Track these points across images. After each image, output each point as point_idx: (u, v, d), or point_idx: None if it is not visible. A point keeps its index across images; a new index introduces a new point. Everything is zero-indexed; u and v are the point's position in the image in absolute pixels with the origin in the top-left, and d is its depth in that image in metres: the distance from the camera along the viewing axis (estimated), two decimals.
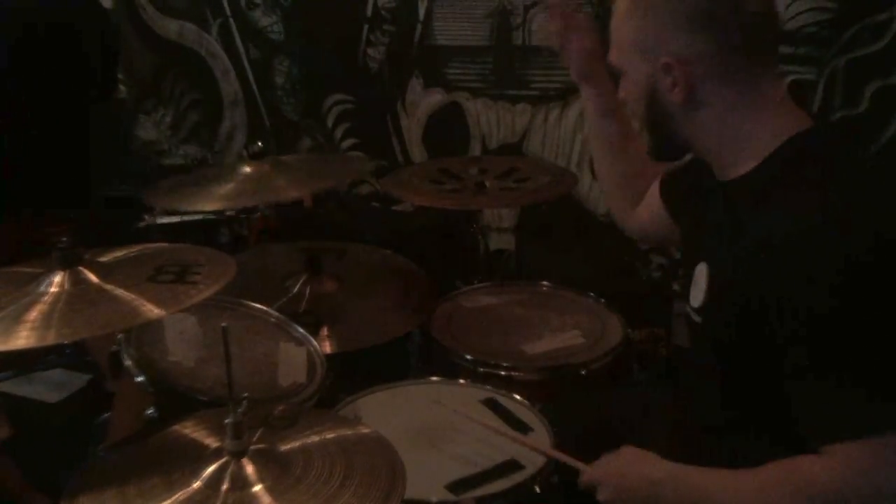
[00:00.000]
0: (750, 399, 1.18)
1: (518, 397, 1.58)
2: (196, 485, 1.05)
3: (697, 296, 1.22)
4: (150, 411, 1.42)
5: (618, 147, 1.59)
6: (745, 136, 1.17)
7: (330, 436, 1.17)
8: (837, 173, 1.13)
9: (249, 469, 1.06)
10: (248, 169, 1.79)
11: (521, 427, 1.49)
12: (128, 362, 1.45)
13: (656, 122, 1.24)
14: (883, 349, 1.04)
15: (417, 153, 3.13)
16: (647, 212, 1.57)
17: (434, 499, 1.29)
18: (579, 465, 1.32)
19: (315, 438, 1.16)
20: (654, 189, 1.54)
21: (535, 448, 1.41)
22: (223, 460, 1.07)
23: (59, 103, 2.46)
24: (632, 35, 1.21)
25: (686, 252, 1.35)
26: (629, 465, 1.25)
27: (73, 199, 2.56)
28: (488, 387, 1.62)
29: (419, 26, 2.96)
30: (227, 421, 1.07)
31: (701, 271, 1.22)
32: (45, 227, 2.51)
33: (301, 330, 1.63)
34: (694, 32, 1.15)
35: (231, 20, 3.34)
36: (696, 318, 1.23)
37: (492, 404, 1.56)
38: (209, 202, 1.74)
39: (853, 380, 1.04)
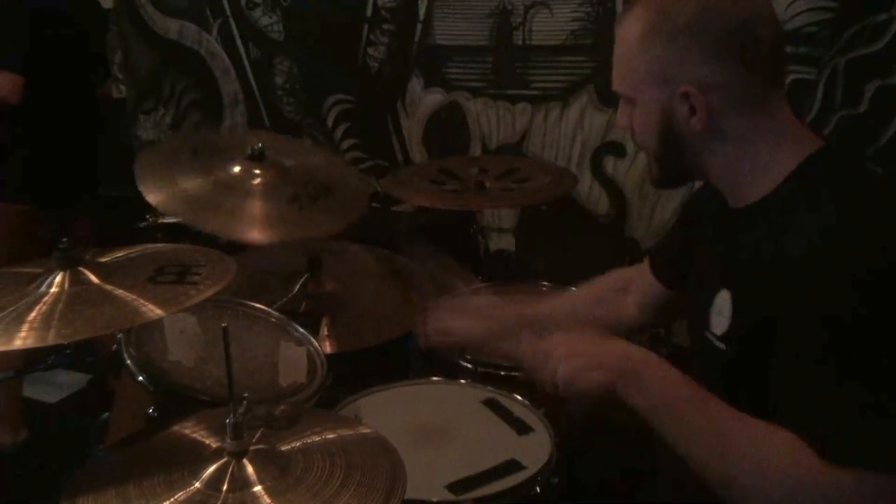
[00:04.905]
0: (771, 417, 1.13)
1: (518, 397, 1.58)
2: (196, 485, 1.04)
3: (721, 323, 1.20)
4: (150, 411, 1.43)
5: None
6: (763, 161, 1.16)
7: (330, 436, 1.17)
8: (851, 191, 1.12)
9: (249, 469, 1.06)
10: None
11: (522, 427, 1.49)
12: (128, 362, 1.46)
13: (669, 152, 1.21)
14: None
15: (417, 153, 3.13)
16: (637, 306, 1.58)
17: (434, 499, 1.29)
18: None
19: (315, 438, 1.15)
20: (643, 281, 1.54)
21: None
22: (223, 460, 1.07)
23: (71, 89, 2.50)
24: (648, 63, 1.16)
25: (701, 284, 1.30)
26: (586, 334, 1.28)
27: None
28: (488, 387, 1.62)
29: (419, 26, 2.96)
30: (227, 421, 1.07)
31: (724, 298, 1.19)
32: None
33: (301, 330, 1.63)
34: (720, 60, 1.12)
35: (231, 20, 3.34)
36: (720, 346, 1.20)
37: (492, 404, 1.56)
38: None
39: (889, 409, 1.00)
